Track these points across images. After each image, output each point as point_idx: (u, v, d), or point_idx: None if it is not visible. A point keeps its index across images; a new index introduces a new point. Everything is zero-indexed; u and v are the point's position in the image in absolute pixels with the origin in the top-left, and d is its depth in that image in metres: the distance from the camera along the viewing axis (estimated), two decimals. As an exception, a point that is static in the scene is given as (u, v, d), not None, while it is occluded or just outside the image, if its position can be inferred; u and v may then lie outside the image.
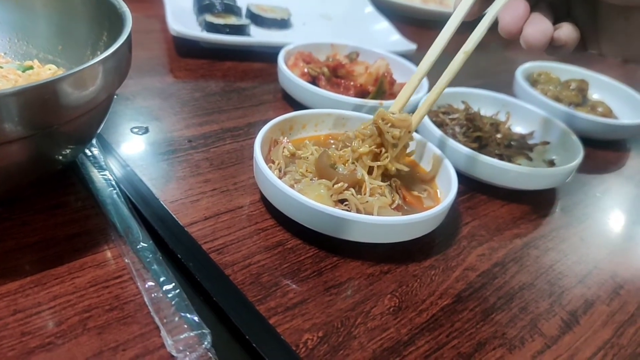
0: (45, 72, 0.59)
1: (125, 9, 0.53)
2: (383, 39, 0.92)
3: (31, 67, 0.59)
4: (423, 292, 0.49)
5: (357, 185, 0.52)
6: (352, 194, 0.51)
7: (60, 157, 0.49)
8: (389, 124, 0.52)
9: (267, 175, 0.50)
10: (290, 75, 0.70)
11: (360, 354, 0.42)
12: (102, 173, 0.54)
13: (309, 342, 0.42)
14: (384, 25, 0.97)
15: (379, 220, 0.48)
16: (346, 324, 0.44)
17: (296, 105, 0.72)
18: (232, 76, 0.78)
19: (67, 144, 0.49)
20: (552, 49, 0.50)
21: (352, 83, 0.72)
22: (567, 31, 0.49)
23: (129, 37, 0.49)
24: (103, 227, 0.49)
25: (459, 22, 0.55)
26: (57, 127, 0.45)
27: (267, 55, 0.82)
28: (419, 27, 1.11)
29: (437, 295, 0.49)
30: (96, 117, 0.50)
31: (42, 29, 0.60)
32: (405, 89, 0.56)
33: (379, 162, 0.53)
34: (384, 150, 0.54)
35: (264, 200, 0.55)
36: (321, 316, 0.44)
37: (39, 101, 0.42)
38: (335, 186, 0.51)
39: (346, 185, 0.51)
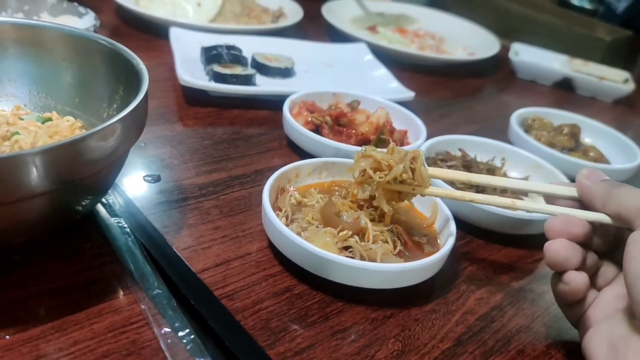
0: (64, 123, 0.62)
1: (141, 65, 0.57)
2: (382, 86, 0.95)
3: (50, 119, 0.62)
4: (425, 335, 0.51)
5: (361, 233, 0.55)
6: (357, 242, 0.54)
7: (80, 208, 0.52)
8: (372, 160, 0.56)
9: (275, 223, 0.53)
10: (295, 124, 0.73)
11: (366, 397, 0.44)
12: (117, 221, 0.56)
13: (317, 386, 0.44)
14: (382, 72, 1.01)
15: (383, 268, 0.50)
16: (352, 367, 0.46)
17: (300, 152, 0.75)
18: (239, 124, 0.81)
19: (87, 196, 0.52)
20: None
21: (353, 131, 0.75)
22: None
23: (147, 94, 0.52)
24: (119, 273, 0.51)
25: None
26: (79, 181, 0.48)
27: (272, 103, 0.86)
28: (416, 72, 1.15)
29: (438, 339, 0.51)
30: (115, 169, 0.53)
31: (61, 82, 0.64)
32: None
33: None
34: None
35: (271, 246, 0.57)
36: (328, 361, 0.46)
37: (65, 158, 0.45)
38: (340, 234, 0.54)
39: (350, 232, 0.54)
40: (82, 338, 0.45)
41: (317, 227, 0.56)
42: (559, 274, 0.48)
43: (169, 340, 0.45)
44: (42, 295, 0.48)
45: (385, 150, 0.57)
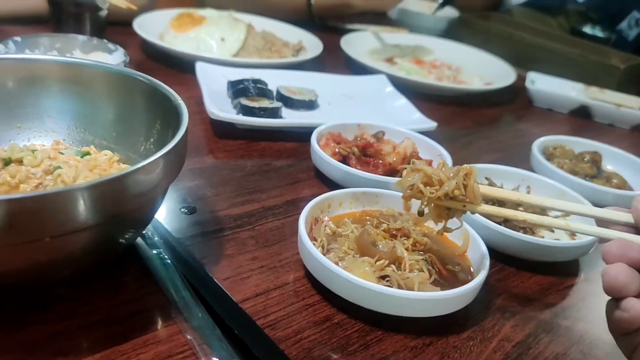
0: (102, 157, 0.64)
1: (179, 101, 0.59)
2: (404, 117, 0.97)
3: (88, 153, 0.64)
4: (463, 363, 0.52)
5: (397, 262, 0.56)
6: (394, 270, 0.55)
7: (123, 241, 0.54)
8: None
9: (314, 254, 0.54)
10: (323, 156, 0.74)
11: None
12: (157, 252, 0.57)
13: (363, 414, 0.45)
14: (404, 103, 1.03)
15: (422, 296, 0.51)
16: (396, 395, 0.47)
17: (329, 182, 0.76)
18: (267, 156, 0.83)
19: (130, 229, 0.53)
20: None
21: (380, 161, 0.77)
22: None
23: (187, 129, 0.54)
24: (161, 304, 0.53)
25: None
26: (124, 214, 0.49)
27: (298, 135, 0.87)
28: (435, 102, 1.17)
29: (477, 366, 0.52)
30: (157, 202, 0.55)
31: (99, 117, 0.66)
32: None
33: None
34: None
35: (308, 276, 0.58)
36: (372, 388, 0.47)
37: (111, 192, 0.46)
38: (377, 263, 0.55)
39: (387, 262, 0.55)
40: (130, 368, 0.46)
41: (353, 256, 0.57)
42: (615, 300, 0.46)
43: (218, 369, 0.46)
44: (88, 327, 0.49)
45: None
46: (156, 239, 0.60)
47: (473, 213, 0.56)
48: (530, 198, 0.59)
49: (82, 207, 0.44)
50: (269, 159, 0.82)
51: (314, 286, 0.57)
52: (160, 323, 0.51)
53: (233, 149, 0.83)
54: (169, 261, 0.56)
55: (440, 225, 0.57)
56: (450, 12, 1.66)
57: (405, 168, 0.57)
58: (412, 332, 0.54)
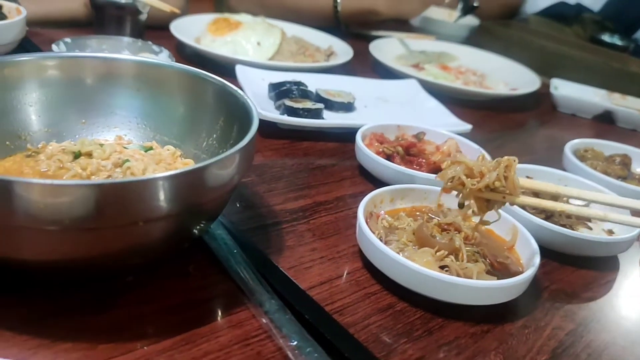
0: (165, 152, 0.66)
1: (246, 98, 0.61)
2: (439, 120, 1.00)
3: (151, 148, 0.67)
4: (522, 349, 0.54)
5: (454, 253, 0.59)
6: (452, 261, 0.57)
7: (195, 232, 0.56)
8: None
9: (378, 245, 0.57)
10: (371, 154, 0.77)
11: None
12: (224, 242, 0.60)
13: (434, 393, 0.47)
14: (437, 106, 1.06)
15: (484, 284, 0.54)
16: (463, 377, 0.49)
17: (373, 180, 0.79)
18: (311, 155, 0.85)
19: (203, 220, 0.56)
20: None
21: (424, 161, 0.80)
22: None
23: (257, 127, 0.56)
24: (231, 291, 0.55)
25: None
26: (199, 206, 0.52)
27: (337, 135, 0.90)
28: (462, 107, 1.19)
29: (535, 352, 0.54)
30: (228, 196, 0.57)
31: (162, 114, 0.69)
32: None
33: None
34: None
35: (367, 267, 0.61)
36: (438, 371, 0.50)
37: (190, 183, 0.49)
38: (437, 253, 0.57)
39: (446, 252, 0.58)
40: (211, 349, 0.48)
41: (412, 247, 0.59)
42: None
43: (296, 351, 0.48)
44: (164, 311, 0.52)
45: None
46: (219, 231, 0.62)
47: (512, 204, 0.59)
48: (568, 190, 0.61)
49: (162, 196, 0.47)
50: (313, 157, 0.85)
51: (373, 276, 0.60)
52: (233, 308, 0.53)
53: (277, 147, 0.86)
54: (235, 251, 0.59)
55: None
56: (472, 20, 1.69)
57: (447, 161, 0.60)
58: (470, 320, 0.56)
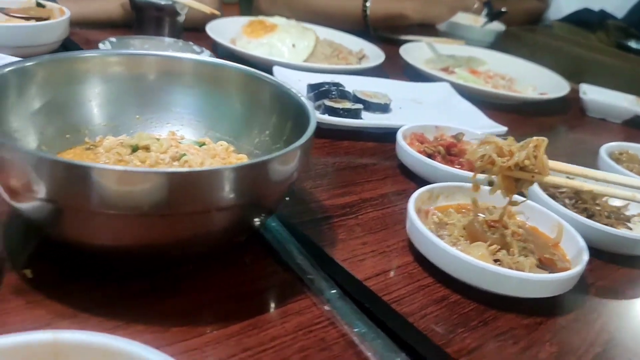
0: (218, 147, 0.68)
1: (300, 97, 0.63)
2: (474, 122, 1.01)
3: (204, 143, 0.69)
4: (575, 340, 0.56)
5: (505, 247, 0.60)
6: (504, 254, 0.59)
7: (255, 224, 0.58)
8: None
9: (433, 239, 0.58)
10: (414, 153, 0.79)
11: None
12: (279, 235, 0.61)
13: (496, 380, 0.49)
14: (471, 109, 1.07)
15: (542, 278, 0.55)
16: (522, 366, 0.51)
17: (414, 178, 0.81)
18: (352, 154, 0.87)
19: (262, 213, 0.57)
20: None
21: (464, 160, 0.81)
22: None
23: (316, 124, 0.58)
24: (289, 281, 0.57)
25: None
26: (260, 199, 0.54)
27: (375, 135, 0.92)
28: (492, 110, 1.20)
29: (588, 344, 0.55)
30: (287, 191, 0.59)
31: (214, 111, 0.70)
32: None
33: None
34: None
35: (418, 260, 0.62)
36: (498, 359, 0.51)
37: (254, 176, 0.51)
38: (490, 247, 0.59)
39: (498, 247, 0.59)
40: (278, 335, 0.50)
41: (464, 242, 0.61)
42: None
43: (361, 338, 0.49)
44: (228, 299, 0.53)
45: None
46: (273, 223, 0.64)
47: (541, 184, 0.60)
48: (595, 173, 0.61)
49: (227, 187, 0.48)
50: (354, 156, 0.87)
51: (425, 269, 0.61)
52: (293, 297, 0.55)
53: (319, 146, 0.87)
54: (291, 242, 0.60)
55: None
56: (498, 26, 1.71)
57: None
58: (522, 313, 0.58)
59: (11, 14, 1.04)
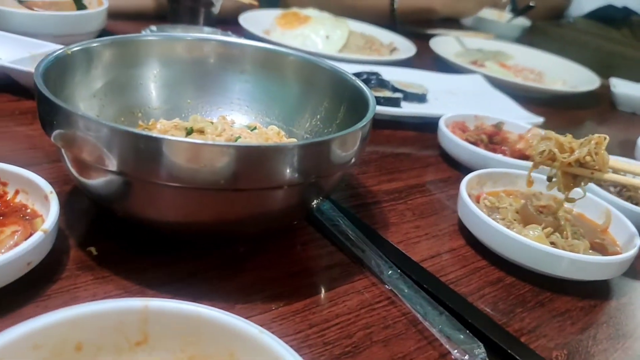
0: (270, 131, 0.69)
1: (357, 82, 0.63)
2: (510, 113, 1.01)
3: (255, 127, 0.70)
4: (631, 323, 0.56)
5: (558, 231, 0.61)
6: (558, 237, 0.59)
7: (313, 205, 0.58)
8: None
9: (489, 222, 0.59)
10: (458, 141, 0.79)
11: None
12: (337, 217, 0.62)
13: (559, 357, 0.49)
14: (505, 100, 1.08)
15: (599, 260, 0.56)
16: (582, 345, 0.51)
17: (457, 166, 0.81)
18: (393, 142, 0.88)
19: (321, 194, 0.58)
20: None
21: (506, 148, 0.81)
22: None
23: (374, 109, 0.58)
24: (347, 261, 0.57)
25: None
26: (320, 179, 0.54)
27: (414, 125, 0.93)
28: (523, 103, 1.20)
29: (644, 326, 0.56)
30: (344, 173, 0.59)
31: (265, 97, 0.71)
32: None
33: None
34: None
35: (470, 244, 0.63)
36: (559, 338, 0.52)
37: (316, 154, 0.51)
38: (544, 230, 0.59)
39: (552, 230, 0.60)
40: (341, 312, 0.51)
41: (518, 225, 0.61)
42: None
43: (419, 315, 0.50)
44: (288, 277, 0.54)
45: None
46: (326, 206, 0.65)
47: (599, 181, 0.61)
48: None
49: (289, 164, 0.49)
50: (395, 145, 0.87)
51: (478, 252, 0.62)
52: (351, 277, 0.55)
53: (360, 135, 0.88)
54: (345, 225, 0.61)
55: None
56: (523, 21, 1.71)
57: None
58: (577, 295, 0.58)
59: (33, 7, 1.04)
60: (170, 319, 0.37)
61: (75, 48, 0.58)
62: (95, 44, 0.60)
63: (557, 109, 1.25)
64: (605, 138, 0.60)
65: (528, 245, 0.56)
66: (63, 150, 0.51)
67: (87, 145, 0.47)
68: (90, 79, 0.60)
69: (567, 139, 0.60)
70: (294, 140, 0.68)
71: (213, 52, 0.69)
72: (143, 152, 0.45)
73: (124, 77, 0.64)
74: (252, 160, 0.47)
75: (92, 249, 0.53)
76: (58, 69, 0.56)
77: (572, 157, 0.59)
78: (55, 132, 0.49)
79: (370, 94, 0.60)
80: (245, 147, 0.47)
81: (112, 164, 0.46)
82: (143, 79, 0.65)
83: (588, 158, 0.59)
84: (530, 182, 0.67)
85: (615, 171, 0.62)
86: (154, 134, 0.46)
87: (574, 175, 0.61)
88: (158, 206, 0.50)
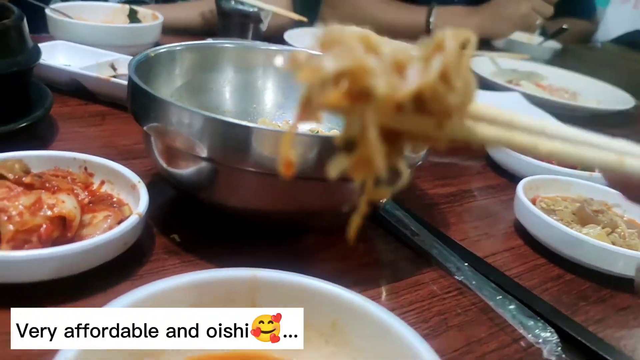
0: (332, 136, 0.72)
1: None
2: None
3: (318, 131, 0.73)
4: (690, 320, 0.58)
5: (615, 232, 0.63)
6: (617, 237, 0.62)
7: (381, 202, 0.61)
8: None
9: (550, 222, 0.61)
10: (509, 151, 0.82)
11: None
12: (397, 215, 0.65)
13: (627, 346, 0.51)
14: (546, 117, 1.10)
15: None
16: (646, 337, 0.53)
17: (504, 174, 0.84)
18: (441, 152, 0.91)
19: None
20: None
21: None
22: None
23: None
24: (413, 255, 0.60)
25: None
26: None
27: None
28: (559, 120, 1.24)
29: (703, 324, 0.58)
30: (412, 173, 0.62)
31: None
32: None
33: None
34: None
35: (528, 244, 0.65)
36: (623, 330, 0.54)
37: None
38: (603, 230, 0.62)
39: (610, 230, 0.62)
40: (414, 300, 0.53)
41: (576, 225, 0.64)
42: None
43: (490, 303, 0.52)
44: (361, 267, 0.58)
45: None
46: (388, 206, 0.67)
47: (462, 139, 0.26)
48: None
49: None
50: (442, 154, 0.90)
51: (536, 251, 0.64)
52: (421, 269, 0.58)
53: (409, 144, 0.91)
54: (409, 222, 0.64)
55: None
56: (554, 44, 1.74)
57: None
58: (635, 294, 0.60)
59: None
60: (276, 288, 0.40)
61: (160, 50, 0.62)
62: (178, 48, 0.64)
63: (593, 128, 1.26)
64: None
65: (590, 243, 0.58)
66: (154, 141, 0.55)
67: (181, 133, 0.50)
68: (170, 79, 0.64)
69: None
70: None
71: (281, 62, 0.72)
72: (233, 139, 0.49)
73: (199, 80, 0.68)
74: (331, 151, 0.50)
75: (175, 236, 0.56)
76: (143, 69, 0.60)
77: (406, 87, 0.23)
78: (150, 123, 0.52)
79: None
80: (332, 138, 0.50)
81: (202, 151, 0.50)
82: (216, 83, 0.69)
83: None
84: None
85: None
86: (245, 122, 0.50)
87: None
88: (243, 193, 0.54)
